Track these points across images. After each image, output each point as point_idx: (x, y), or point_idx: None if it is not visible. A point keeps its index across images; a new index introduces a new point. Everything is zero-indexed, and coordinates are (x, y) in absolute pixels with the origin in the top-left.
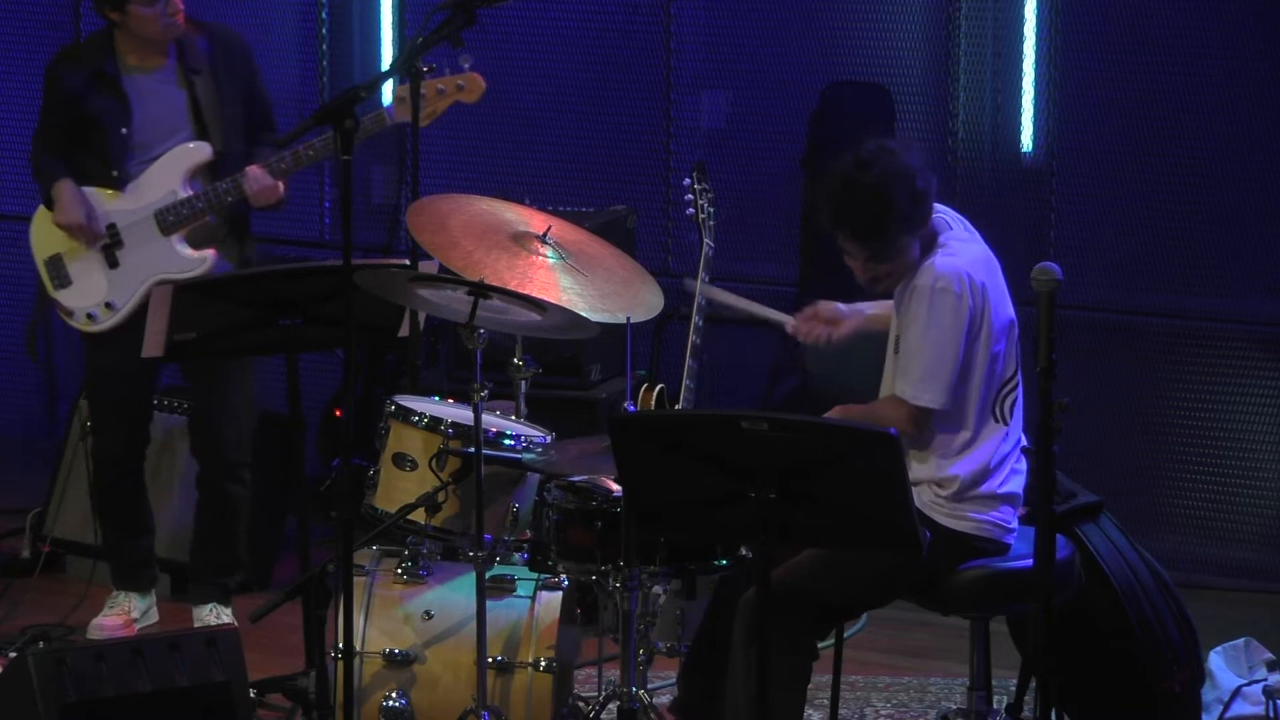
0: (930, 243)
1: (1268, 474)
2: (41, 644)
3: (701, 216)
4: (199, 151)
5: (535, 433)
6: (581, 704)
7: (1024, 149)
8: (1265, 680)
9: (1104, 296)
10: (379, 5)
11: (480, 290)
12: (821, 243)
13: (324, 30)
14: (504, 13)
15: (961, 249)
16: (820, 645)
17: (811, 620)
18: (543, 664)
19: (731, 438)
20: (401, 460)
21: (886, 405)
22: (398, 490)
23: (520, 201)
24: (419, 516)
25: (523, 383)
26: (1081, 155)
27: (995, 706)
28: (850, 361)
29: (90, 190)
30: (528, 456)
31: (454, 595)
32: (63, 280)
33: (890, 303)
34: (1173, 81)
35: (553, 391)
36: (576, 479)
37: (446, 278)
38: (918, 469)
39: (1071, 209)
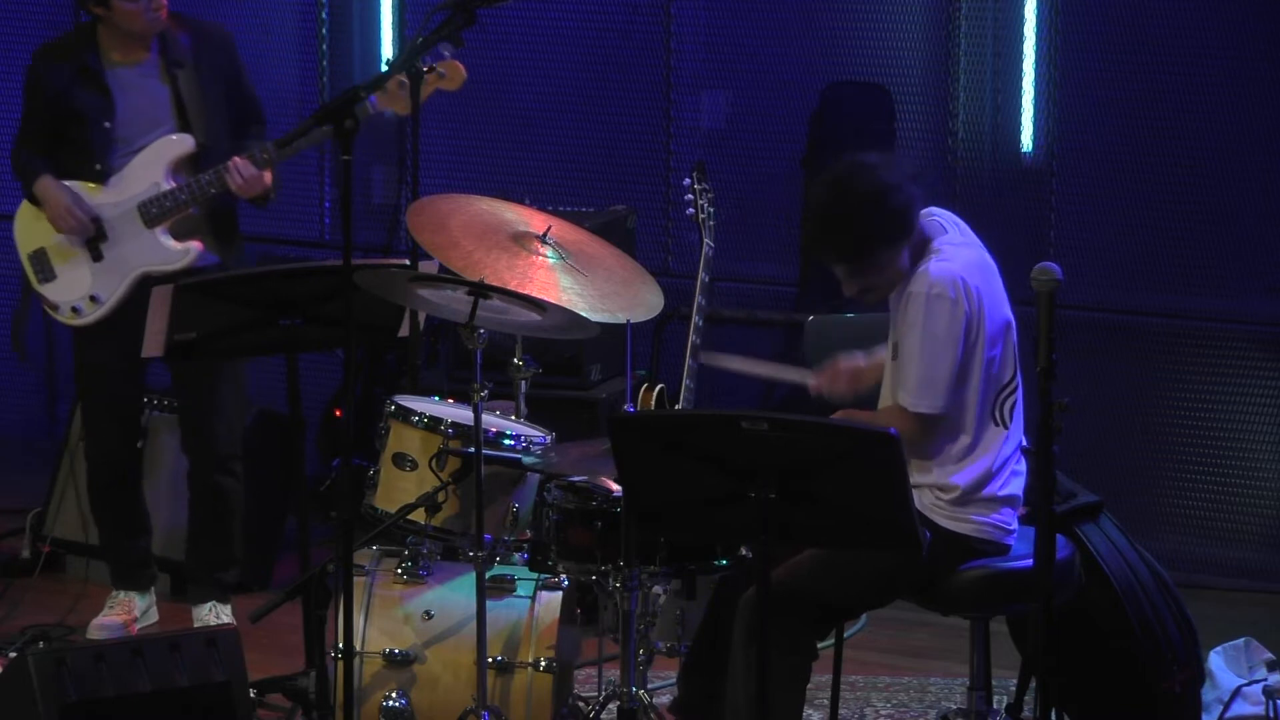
0: (923, 249)
1: (1268, 474)
2: (41, 644)
3: (701, 216)
4: (181, 144)
5: (535, 433)
6: (581, 704)
7: (1024, 149)
8: (1265, 680)
9: (1104, 296)
10: (379, 5)
11: (480, 290)
12: None
13: (324, 30)
14: (504, 13)
15: (955, 254)
16: (820, 645)
17: (811, 620)
18: (543, 664)
19: (731, 438)
20: (401, 460)
21: (888, 416)
22: (398, 490)
23: (520, 201)
24: (419, 516)
25: (523, 383)
26: (1081, 155)
27: (995, 706)
28: None
29: (73, 184)
30: (528, 457)
31: (454, 595)
32: (47, 274)
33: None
34: (1173, 81)
35: (553, 391)
36: (576, 479)
37: (446, 278)
38: (919, 475)
39: (1071, 209)
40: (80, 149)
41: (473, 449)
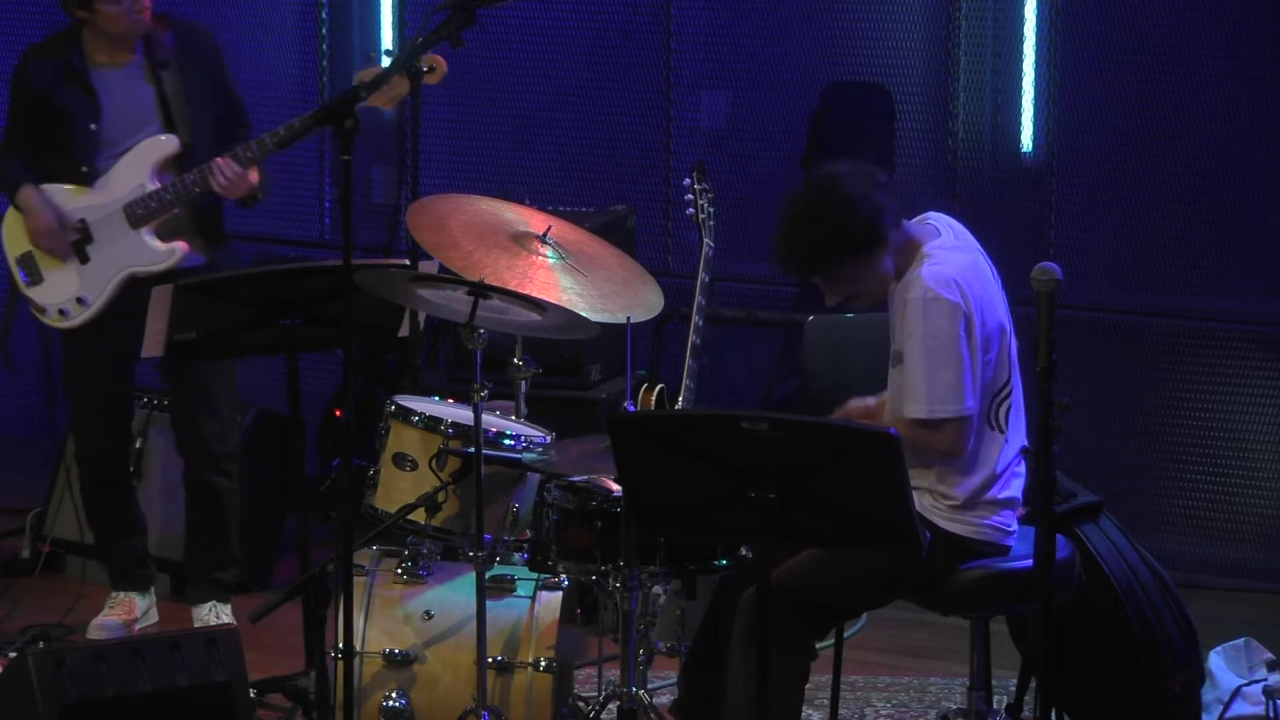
0: (913, 254)
1: (1268, 474)
2: (41, 644)
3: (701, 216)
4: (167, 144)
5: (535, 433)
6: (581, 704)
7: (1024, 149)
8: (1265, 680)
9: (1104, 296)
10: (379, 5)
11: (480, 290)
12: None
13: (324, 30)
14: (504, 13)
15: (948, 258)
16: (820, 645)
17: (811, 620)
18: (543, 664)
19: (731, 438)
20: (401, 460)
21: (907, 430)
22: (398, 490)
23: (520, 201)
24: (419, 516)
25: (523, 383)
26: (1081, 155)
27: (995, 706)
28: (850, 362)
29: (60, 187)
30: (528, 456)
31: (454, 595)
32: (35, 277)
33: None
34: (1173, 81)
35: (553, 391)
36: (576, 479)
37: (446, 278)
38: (919, 478)
39: (1071, 209)
40: (66, 151)
41: (473, 449)
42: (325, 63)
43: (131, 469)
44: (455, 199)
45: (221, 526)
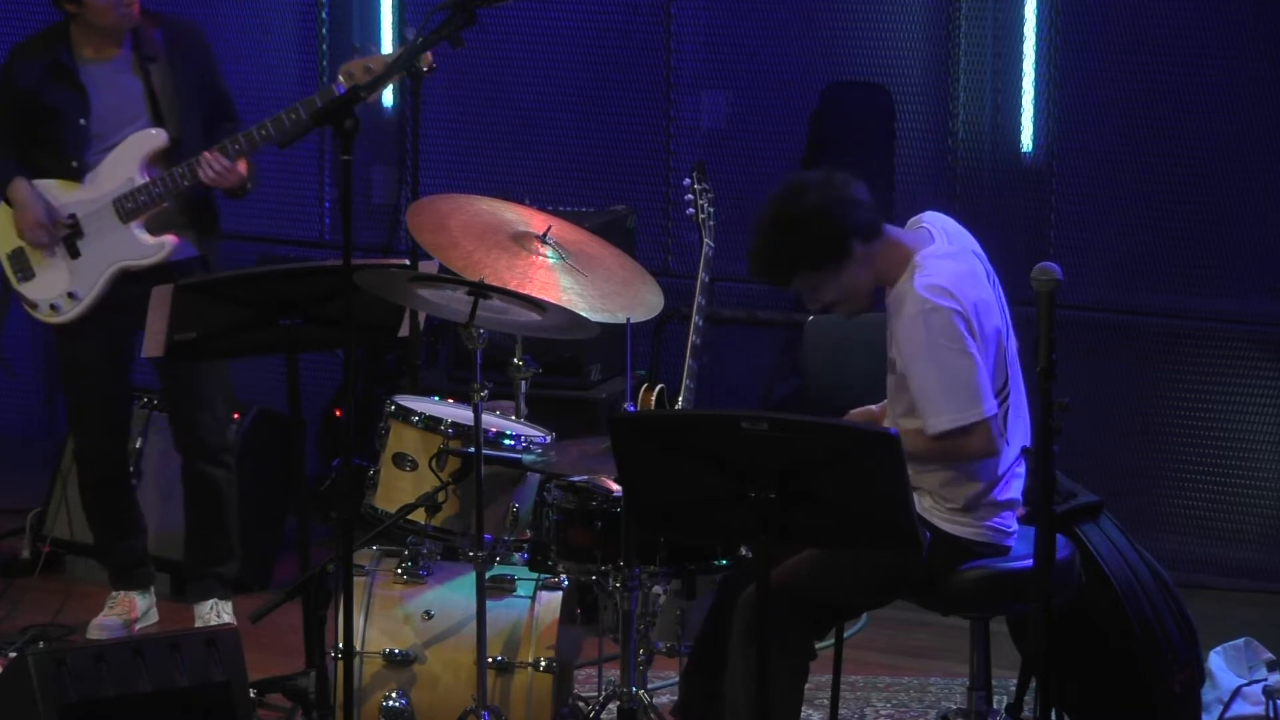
0: (903, 263)
1: (1268, 474)
2: (41, 644)
3: (701, 216)
4: (156, 138)
5: (535, 433)
6: (581, 704)
7: (1024, 149)
8: (1265, 680)
9: (1104, 296)
10: (379, 5)
11: (480, 290)
12: None
13: (324, 30)
14: (504, 13)
15: (939, 266)
16: (820, 645)
17: (811, 620)
18: (543, 664)
19: (731, 438)
20: (401, 460)
21: (922, 443)
22: (398, 490)
23: (520, 201)
24: (419, 516)
25: (523, 383)
26: (1081, 155)
27: (995, 706)
28: (850, 362)
29: (50, 182)
30: (528, 456)
31: (454, 595)
32: (26, 273)
33: None
34: (1173, 81)
35: (553, 391)
36: (576, 479)
37: (446, 278)
38: (920, 479)
39: (1071, 209)
40: (55, 147)
41: (473, 449)
42: (325, 63)
43: (131, 469)
44: (455, 199)
45: (220, 520)
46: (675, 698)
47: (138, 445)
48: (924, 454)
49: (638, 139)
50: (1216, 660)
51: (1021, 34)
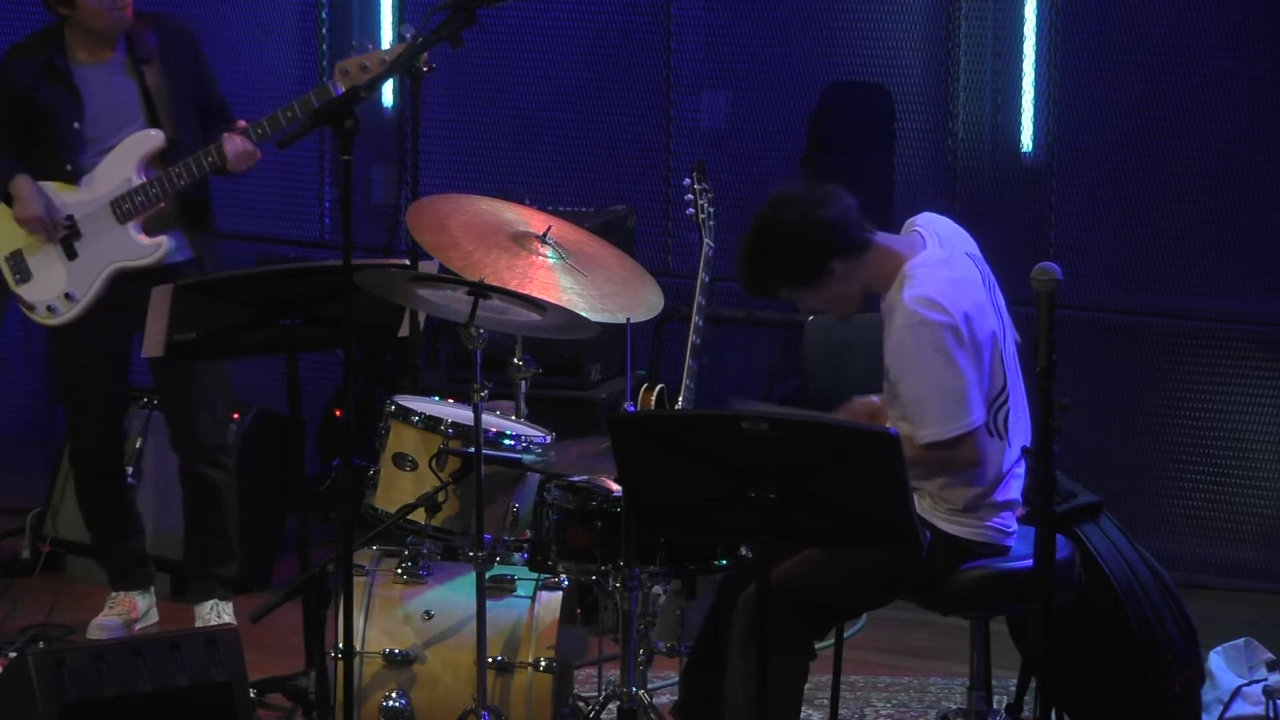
0: (894, 272)
1: (1268, 474)
2: (41, 644)
3: (701, 216)
4: (153, 139)
5: (535, 433)
6: (581, 704)
7: (1024, 149)
8: (1265, 680)
9: (1104, 296)
10: (379, 5)
11: (480, 290)
12: None
13: (324, 30)
14: (504, 13)
15: (928, 276)
16: (820, 645)
17: (811, 620)
18: (543, 664)
19: (731, 438)
20: (401, 460)
21: (910, 451)
22: (398, 490)
23: (520, 201)
24: (419, 516)
25: (523, 383)
26: (1081, 155)
27: (995, 706)
28: (850, 362)
29: (47, 185)
30: (528, 456)
31: (454, 595)
32: (24, 275)
33: None
34: (1173, 81)
35: (553, 391)
36: (576, 479)
37: (446, 278)
38: (919, 480)
39: (1071, 209)
40: (51, 150)
41: (473, 449)
42: (325, 63)
43: (130, 469)
44: (455, 199)
45: (219, 520)
46: (675, 698)
47: (137, 445)
48: (913, 461)
49: (638, 139)
50: (1216, 660)
51: (1021, 34)
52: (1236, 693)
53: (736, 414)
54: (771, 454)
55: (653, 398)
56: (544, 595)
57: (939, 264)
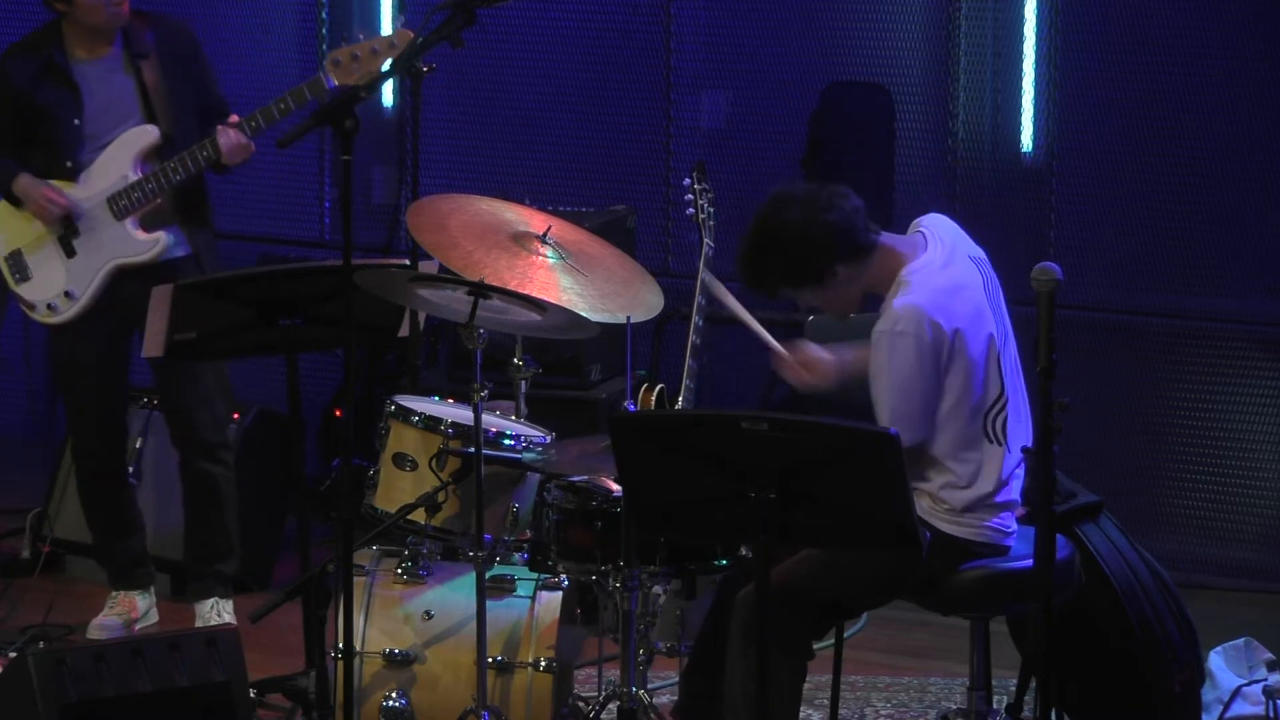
0: (893, 274)
1: (1268, 474)
2: (41, 644)
3: (701, 216)
4: (149, 135)
5: (535, 433)
6: (581, 704)
7: (1024, 149)
8: (1265, 680)
9: (1104, 296)
10: (379, 5)
11: (480, 290)
12: None
13: (324, 30)
14: (504, 13)
15: (924, 282)
16: (819, 645)
17: (810, 620)
18: (543, 664)
19: (731, 438)
20: (401, 460)
21: None
22: (398, 490)
23: (520, 201)
24: (419, 516)
25: (523, 383)
26: (1081, 155)
27: (995, 706)
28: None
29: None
30: (528, 456)
31: (454, 595)
32: (23, 274)
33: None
34: (1173, 81)
35: (553, 391)
36: (576, 479)
37: (446, 278)
38: (919, 481)
39: (1071, 209)
40: (49, 147)
41: (473, 449)
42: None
43: (131, 468)
44: (455, 199)
45: (218, 517)
46: (675, 698)
47: (137, 445)
48: None
49: (638, 139)
50: (1216, 660)
51: (1021, 34)
52: (1236, 693)
53: (736, 414)
54: (771, 454)
55: (653, 398)
56: (544, 595)
57: (937, 270)
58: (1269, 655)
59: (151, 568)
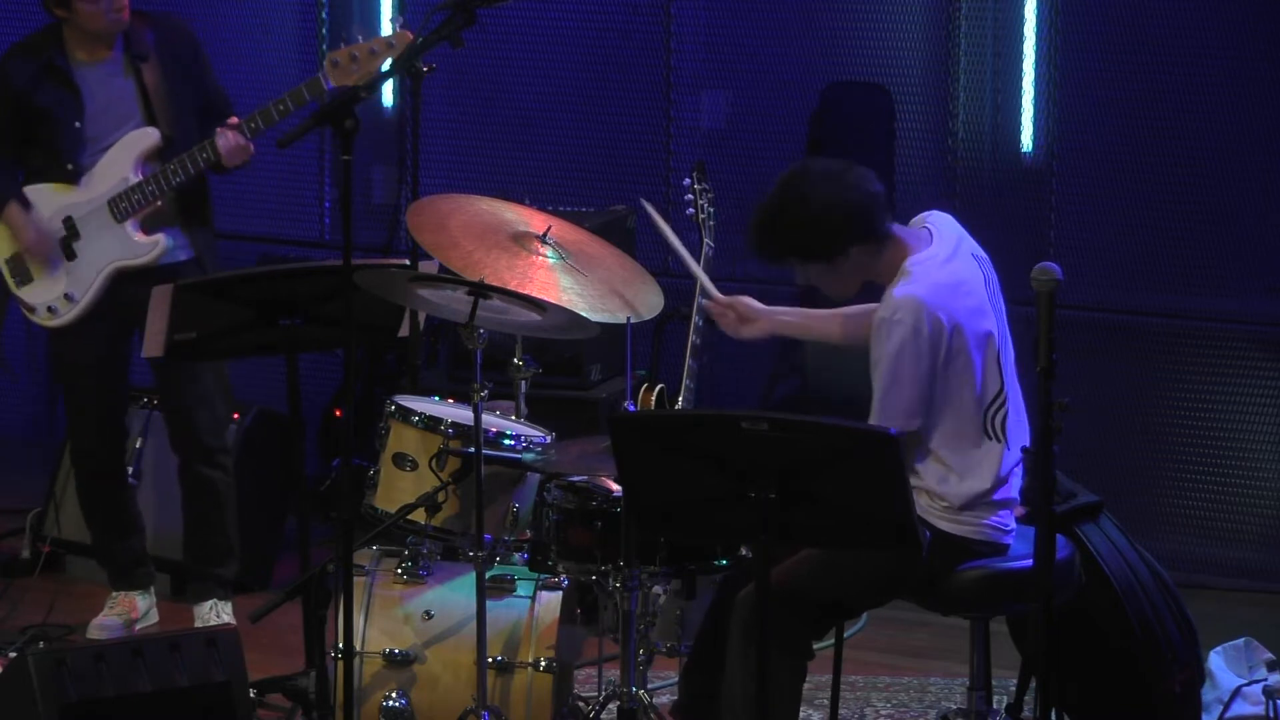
0: (897, 263)
1: (1268, 474)
2: (41, 644)
3: (701, 216)
4: (149, 137)
5: (535, 433)
6: (581, 704)
7: (1024, 149)
8: (1265, 680)
9: (1104, 296)
10: (379, 5)
11: (480, 290)
12: None
13: (324, 30)
14: (504, 13)
15: (925, 274)
16: (819, 645)
17: (810, 620)
18: (543, 664)
19: (731, 438)
20: (401, 460)
21: None
22: (398, 490)
23: (520, 201)
24: (419, 516)
25: (523, 383)
26: (1081, 155)
27: (995, 706)
28: (850, 362)
29: (45, 186)
30: (528, 456)
31: (454, 595)
32: (24, 277)
33: (812, 314)
34: (1173, 81)
35: (553, 391)
36: (576, 479)
37: (446, 278)
38: (917, 479)
39: (1071, 209)
40: (50, 150)
41: (473, 449)
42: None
43: (131, 468)
44: (455, 199)
45: (218, 520)
46: (675, 698)
47: (137, 445)
48: None
49: (638, 139)
50: (1216, 660)
51: (1021, 34)
52: (1236, 693)
53: (736, 414)
54: (771, 454)
55: (653, 398)
56: (544, 595)
57: (940, 264)
58: (1269, 655)
59: (151, 568)
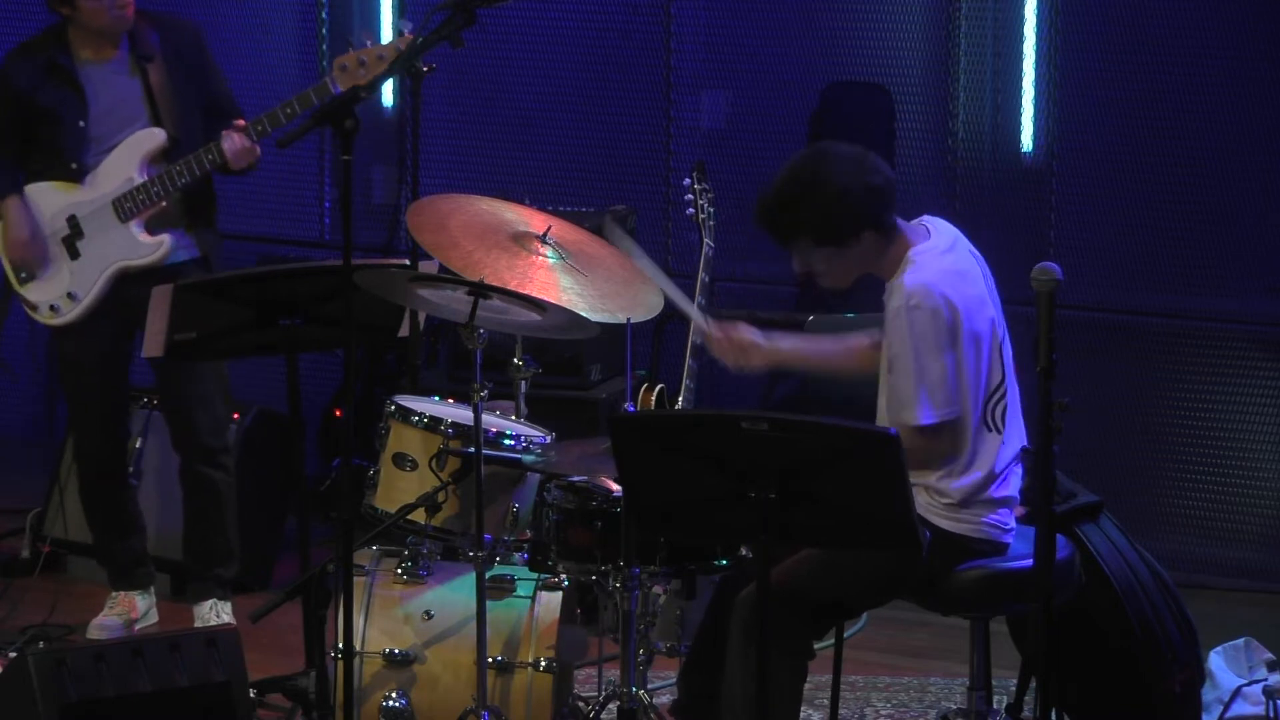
0: (900, 257)
1: (1268, 474)
2: (41, 644)
3: (701, 216)
4: (155, 138)
5: (535, 433)
6: (581, 704)
7: (1024, 149)
8: (1265, 680)
9: (1104, 296)
10: (379, 5)
11: (480, 290)
12: None
13: (324, 30)
14: (504, 13)
15: (929, 262)
16: (819, 645)
17: (810, 620)
18: (543, 664)
19: (731, 438)
20: (401, 460)
21: (908, 438)
22: (398, 490)
23: (520, 201)
24: (419, 516)
25: (523, 383)
26: (1081, 155)
27: (995, 706)
28: None
29: (49, 185)
30: (528, 456)
31: (454, 595)
32: (27, 274)
33: (811, 343)
34: (1173, 81)
35: (553, 391)
36: (576, 479)
37: (446, 278)
38: (916, 476)
39: (1071, 209)
40: (54, 149)
41: (473, 449)
42: (325, 63)
43: (131, 468)
44: (455, 199)
45: (218, 520)
46: (675, 698)
47: (137, 445)
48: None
49: (638, 139)
50: (1216, 660)
51: (1021, 34)
52: (1236, 693)
53: (736, 414)
54: (771, 454)
55: (653, 398)
56: (544, 595)
57: (941, 253)
58: (1269, 655)
59: (151, 568)
